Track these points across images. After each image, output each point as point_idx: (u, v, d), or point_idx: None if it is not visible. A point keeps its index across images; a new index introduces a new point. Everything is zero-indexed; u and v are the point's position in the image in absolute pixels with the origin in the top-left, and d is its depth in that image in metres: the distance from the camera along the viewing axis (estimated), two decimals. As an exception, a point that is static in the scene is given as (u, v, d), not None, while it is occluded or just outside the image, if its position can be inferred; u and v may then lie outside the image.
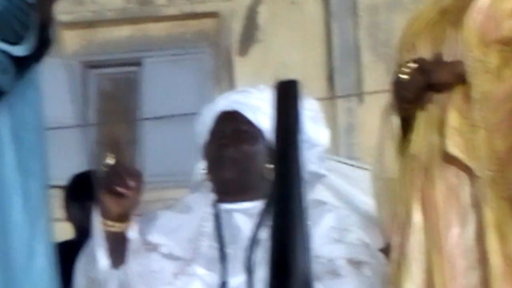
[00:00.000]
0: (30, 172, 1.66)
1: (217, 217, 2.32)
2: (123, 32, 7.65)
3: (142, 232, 2.24)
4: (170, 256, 2.22)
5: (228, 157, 2.31)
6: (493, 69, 2.12)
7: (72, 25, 6.84)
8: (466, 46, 2.17)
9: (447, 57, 2.21)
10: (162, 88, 7.38)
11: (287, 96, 1.08)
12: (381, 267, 2.28)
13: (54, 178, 1.94)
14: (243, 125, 2.37)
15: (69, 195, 3.73)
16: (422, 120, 2.23)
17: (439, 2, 2.32)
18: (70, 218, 3.70)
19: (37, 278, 1.63)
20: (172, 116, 7.18)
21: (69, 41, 7.22)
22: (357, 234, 2.33)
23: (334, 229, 2.28)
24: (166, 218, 2.33)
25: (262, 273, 2.17)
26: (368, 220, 2.51)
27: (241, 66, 7.22)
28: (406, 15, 7.06)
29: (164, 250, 2.24)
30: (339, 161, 3.50)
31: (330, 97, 6.78)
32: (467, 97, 2.14)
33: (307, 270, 0.99)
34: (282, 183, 1.01)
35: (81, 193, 3.61)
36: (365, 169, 3.72)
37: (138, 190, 2.08)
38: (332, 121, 6.07)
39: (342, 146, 6.77)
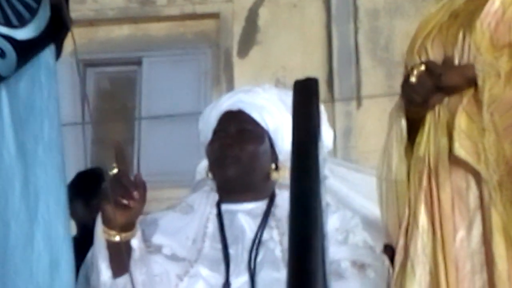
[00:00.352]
0: (33, 157, 1.64)
1: (220, 218, 2.31)
2: (124, 31, 7.65)
3: (144, 234, 2.23)
4: (173, 258, 2.21)
5: (232, 156, 2.30)
6: (504, 73, 2.12)
7: (73, 23, 6.84)
8: (477, 50, 2.17)
9: (458, 61, 2.21)
10: (161, 88, 7.38)
11: (307, 93, 1.08)
12: (385, 269, 2.28)
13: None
14: (248, 124, 2.35)
15: (73, 192, 3.72)
16: (430, 123, 2.22)
17: (451, 6, 2.32)
18: (73, 215, 3.69)
19: (35, 264, 1.62)
20: (171, 116, 7.18)
21: (69, 39, 7.20)
22: (361, 236, 2.33)
23: (338, 230, 2.28)
24: (169, 219, 2.32)
25: (265, 274, 2.17)
26: (367, 224, 2.50)
27: (241, 67, 7.22)
28: (406, 20, 7.12)
29: (167, 251, 2.22)
30: (338, 164, 3.49)
31: (329, 101, 6.78)
32: (477, 101, 2.13)
33: (325, 269, 0.99)
34: (302, 181, 1.01)
35: (84, 190, 3.60)
36: (364, 172, 3.72)
37: (142, 200, 2.05)
38: (330, 124, 6.07)
39: (340, 149, 6.78)
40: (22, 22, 1.63)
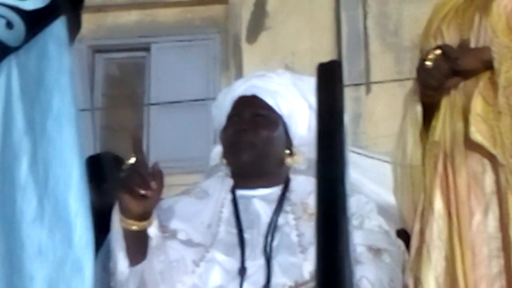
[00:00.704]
0: (42, 131, 1.63)
1: (235, 203, 2.31)
2: (132, 17, 7.65)
3: (159, 218, 2.22)
4: (189, 243, 2.21)
5: (246, 142, 2.29)
6: (520, 56, 2.11)
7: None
8: (494, 32, 2.16)
9: (474, 43, 2.20)
10: (169, 74, 7.38)
11: (330, 77, 1.07)
12: (401, 254, 2.28)
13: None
14: (262, 110, 2.35)
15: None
16: (446, 107, 2.21)
17: (467, -12, 2.31)
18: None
19: (44, 241, 1.61)
20: (179, 102, 7.18)
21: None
22: (377, 221, 2.32)
23: (353, 215, 2.27)
24: (184, 204, 2.31)
25: (281, 258, 2.17)
26: (378, 210, 2.49)
27: (249, 53, 7.21)
28: (415, 5, 7.10)
29: (182, 236, 2.22)
30: (348, 149, 3.48)
31: (338, 86, 6.77)
32: (493, 84, 2.12)
33: (351, 253, 0.98)
34: (328, 165, 1.00)
35: (94, 175, 3.60)
36: (374, 158, 3.71)
37: (159, 189, 2.05)
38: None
39: (349, 135, 6.78)
40: None
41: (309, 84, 2.38)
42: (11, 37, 1.57)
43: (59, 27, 1.66)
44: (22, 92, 1.59)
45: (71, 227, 1.63)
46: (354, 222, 2.27)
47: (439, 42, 2.25)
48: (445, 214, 2.15)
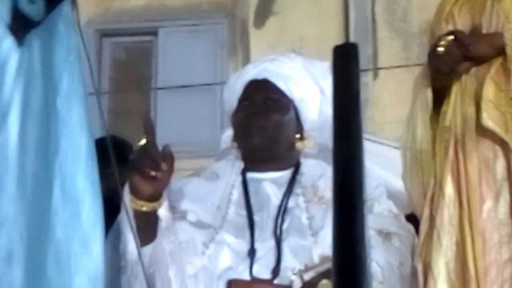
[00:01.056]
0: (53, 109, 1.63)
1: (245, 185, 2.31)
2: (140, 1, 7.64)
3: (170, 199, 2.23)
4: (198, 224, 2.21)
5: (257, 125, 2.29)
6: (532, 41, 2.10)
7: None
8: (506, 18, 2.15)
9: (486, 28, 2.19)
10: (177, 58, 7.38)
11: (347, 58, 1.07)
12: (410, 238, 2.28)
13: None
14: (273, 94, 2.35)
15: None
16: (457, 92, 2.21)
17: (480, -27, 2.30)
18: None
19: (52, 217, 1.61)
20: (187, 86, 7.18)
21: (84, 9, 7.19)
22: (387, 205, 2.32)
23: (365, 201, 2.27)
24: (194, 185, 2.32)
25: (291, 240, 2.18)
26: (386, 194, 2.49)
27: (257, 38, 7.20)
28: (423, -9, 7.03)
29: (192, 217, 2.22)
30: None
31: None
32: (505, 70, 2.12)
33: (366, 234, 0.99)
34: (344, 146, 1.00)
35: (99, 159, 3.60)
36: (381, 144, 3.71)
37: (170, 171, 2.05)
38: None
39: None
40: None
41: (321, 69, 2.38)
42: (34, 11, 1.58)
43: (67, 7, 1.67)
44: (41, 68, 1.61)
45: (79, 204, 1.64)
46: (364, 206, 2.27)
47: (451, 27, 2.25)
48: (455, 200, 2.15)
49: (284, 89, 2.35)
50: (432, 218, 2.18)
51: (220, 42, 7.49)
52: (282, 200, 2.26)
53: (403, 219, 2.35)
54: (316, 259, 2.13)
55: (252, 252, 2.17)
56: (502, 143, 2.11)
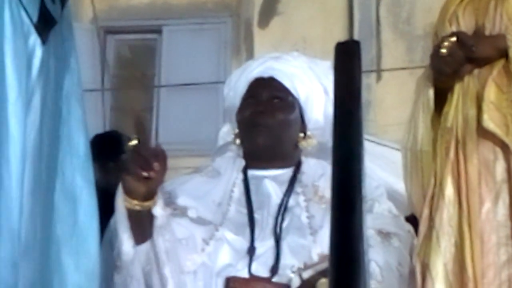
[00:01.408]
0: (56, 109, 1.65)
1: (246, 183, 2.31)
2: (144, -1, 7.65)
3: (171, 195, 2.23)
4: (198, 221, 2.22)
5: (264, 124, 2.29)
6: (535, 44, 2.11)
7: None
8: (509, 20, 2.16)
9: (490, 30, 2.19)
10: (181, 56, 7.38)
11: (349, 55, 1.07)
12: (410, 238, 2.28)
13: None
14: (279, 92, 2.35)
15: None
16: (459, 93, 2.21)
17: (483, -26, 2.30)
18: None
19: (55, 214, 1.63)
20: (190, 84, 7.19)
21: (89, 6, 7.21)
22: (387, 205, 2.33)
23: (363, 199, 2.27)
24: (195, 182, 2.32)
25: (290, 240, 2.18)
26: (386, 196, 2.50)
27: (261, 38, 7.21)
28: (428, -7, 7.03)
29: (192, 213, 2.23)
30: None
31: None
32: (507, 72, 2.12)
33: (364, 231, 1.00)
34: (345, 143, 1.01)
35: (100, 154, 3.62)
36: (384, 145, 3.71)
37: (162, 170, 2.05)
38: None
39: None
40: None
41: (323, 68, 2.38)
42: (56, 11, 1.60)
43: (68, 9, 1.69)
44: (54, 67, 1.63)
45: (77, 203, 1.66)
46: (364, 206, 2.27)
47: (454, 27, 2.25)
48: (455, 201, 2.15)
49: (290, 88, 2.35)
50: (431, 218, 2.19)
51: (224, 41, 7.49)
52: (283, 199, 2.27)
53: (402, 219, 2.35)
54: (315, 258, 2.13)
55: (251, 250, 2.17)
56: (503, 145, 2.12)
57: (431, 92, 2.26)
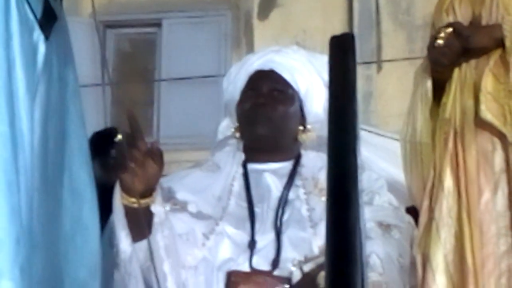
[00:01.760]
0: (62, 102, 1.66)
1: (246, 177, 2.32)
2: (144, -8, 7.64)
3: (171, 190, 2.23)
4: (199, 215, 2.22)
5: (264, 116, 2.29)
6: (532, 34, 2.11)
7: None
8: (505, 10, 2.16)
9: (486, 20, 2.20)
10: (181, 50, 7.38)
11: (343, 48, 1.07)
12: (410, 230, 2.28)
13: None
14: (279, 85, 2.35)
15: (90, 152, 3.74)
16: (457, 83, 2.21)
17: (480, -35, 2.30)
18: (91, 174, 3.72)
19: (63, 211, 1.64)
20: (190, 78, 7.18)
21: (88, 0, 7.20)
22: (387, 197, 2.32)
23: (364, 192, 2.27)
24: (195, 177, 2.33)
25: (291, 233, 2.18)
26: (388, 188, 2.50)
27: (261, 30, 7.20)
28: (428, -17, 7.03)
29: (192, 208, 2.23)
30: (360, 128, 3.48)
31: (349, 64, 6.76)
32: (504, 62, 2.12)
33: (361, 224, 1.00)
34: (340, 136, 1.01)
35: (100, 150, 3.62)
36: (385, 136, 3.71)
37: (159, 167, 2.05)
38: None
39: (360, 113, 6.76)
40: None
41: (323, 62, 2.38)
42: (57, 7, 1.61)
43: (61, 7, 1.69)
44: (57, 63, 1.63)
45: (82, 198, 1.67)
46: (364, 198, 2.27)
47: (451, 18, 2.25)
48: (454, 192, 2.16)
49: (290, 81, 2.35)
50: (431, 210, 2.19)
51: (224, 34, 7.49)
52: (283, 192, 2.27)
53: (403, 211, 2.35)
54: (315, 251, 2.13)
55: (252, 244, 2.17)
56: (501, 135, 2.12)
57: (429, 83, 2.26)
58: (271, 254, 2.15)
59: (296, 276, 2.10)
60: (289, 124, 2.34)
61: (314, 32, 6.94)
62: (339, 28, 7.08)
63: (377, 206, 2.27)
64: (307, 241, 2.16)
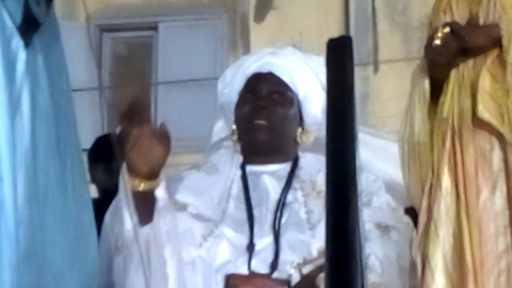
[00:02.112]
0: (59, 108, 1.65)
1: (245, 179, 2.31)
2: (140, -4, 7.64)
3: (170, 192, 2.23)
4: (198, 217, 2.22)
5: (264, 119, 2.29)
6: (529, 33, 2.11)
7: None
8: (502, 9, 2.16)
9: (483, 19, 2.20)
10: (177, 53, 7.38)
11: (341, 51, 1.07)
12: (409, 231, 2.28)
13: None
14: (278, 87, 2.35)
15: (93, 157, 3.76)
16: (454, 83, 2.22)
17: (477, -36, 2.30)
18: (95, 180, 3.74)
19: (65, 211, 1.63)
20: (187, 81, 7.18)
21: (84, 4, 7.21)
22: (385, 198, 2.32)
23: (362, 193, 2.27)
24: (194, 178, 2.32)
25: (289, 235, 2.18)
26: (386, 189, 2.50)
27: (257, 32, 7.20)
28: (424, -16, 7.03)
29: (192, 210, 2.23)
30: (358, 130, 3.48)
31: (346, 66, 6.76)
32: (501, 61, 2.12)
33: (360, 226, 0.99)
34: (338, 138, 1.00)
35: (104, 155, 3.63)
36: (382, 137, 3.70)
37: (167, 149, 2.06)
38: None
39: (357, 114, 6.76)
40: None
41: (319, 63, 2.38)
42: (40, 14, 1.60)
43: (53, 10, 1.69)
44: (47, 68, 1.62)
45: (84, 203, 1.67)
46: (362, 199, 2.27)
47: (448, 17, 2.25)
48: (452, 191, 2.16)
49: (289, 83, 2.35)
50: (429, 209, 2.19)
51: (220, 37, 7.48)
52: (281, 195, 2.26)
53: (401, 212, 2.35)
54: (314, 253, 2.13)
55: (251, 247, 2.17)
56: (498, 135, 2.12)
57: (426, 83, 2.26)
58: (270, 257, 2.15)
59: (295, 278, 2.10)
60: (289, 126, 2.33)
61: (311, 34, 6.94)
62: (335, 29, 7.08)
63: (375, 207, 2.27)
64: (306, 243, 2.15)
